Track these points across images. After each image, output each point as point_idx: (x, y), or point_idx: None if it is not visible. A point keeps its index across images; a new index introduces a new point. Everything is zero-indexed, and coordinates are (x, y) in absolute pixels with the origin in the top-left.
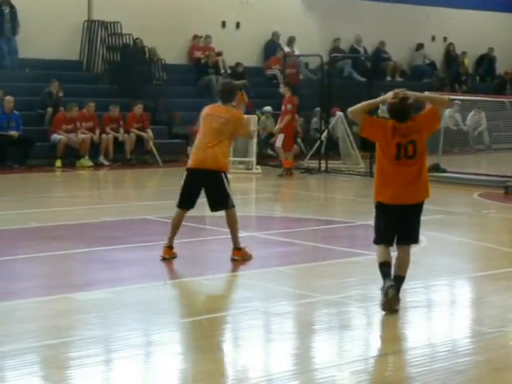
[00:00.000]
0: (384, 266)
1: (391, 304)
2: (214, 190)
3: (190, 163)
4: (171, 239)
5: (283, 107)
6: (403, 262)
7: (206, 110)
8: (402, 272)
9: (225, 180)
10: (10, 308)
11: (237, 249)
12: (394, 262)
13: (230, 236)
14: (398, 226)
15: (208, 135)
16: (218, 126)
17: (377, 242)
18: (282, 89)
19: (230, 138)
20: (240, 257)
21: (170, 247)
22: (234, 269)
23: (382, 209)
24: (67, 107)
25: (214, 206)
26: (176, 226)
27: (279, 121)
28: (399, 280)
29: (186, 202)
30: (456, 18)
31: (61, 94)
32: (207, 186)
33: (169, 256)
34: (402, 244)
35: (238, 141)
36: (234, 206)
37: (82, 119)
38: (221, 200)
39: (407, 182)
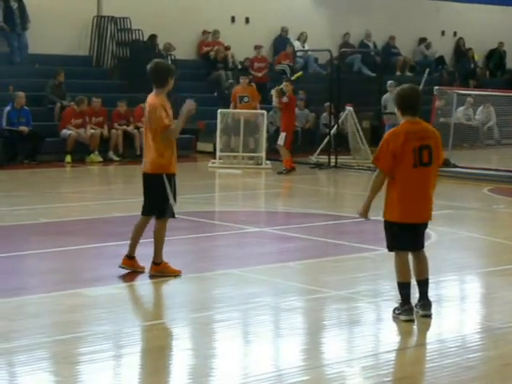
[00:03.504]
0: (404, 287)
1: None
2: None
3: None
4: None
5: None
6: (425, 264)
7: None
8: (426, 274)
9: (166, 184)
10: (20, 303)
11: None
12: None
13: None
14: (413, 237)
15: None
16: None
17: (396, 248)
18: (284, 86)
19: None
20: (158, 272)
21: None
22: (244, 264)
23: (397, 227)
24: (77, 100)
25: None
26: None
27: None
28: (425, 283)
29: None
30: (466, 12)
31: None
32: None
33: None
34: (418, 249)
35: (247, 136)
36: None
37: (92, 114)
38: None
39: (425, 195)
